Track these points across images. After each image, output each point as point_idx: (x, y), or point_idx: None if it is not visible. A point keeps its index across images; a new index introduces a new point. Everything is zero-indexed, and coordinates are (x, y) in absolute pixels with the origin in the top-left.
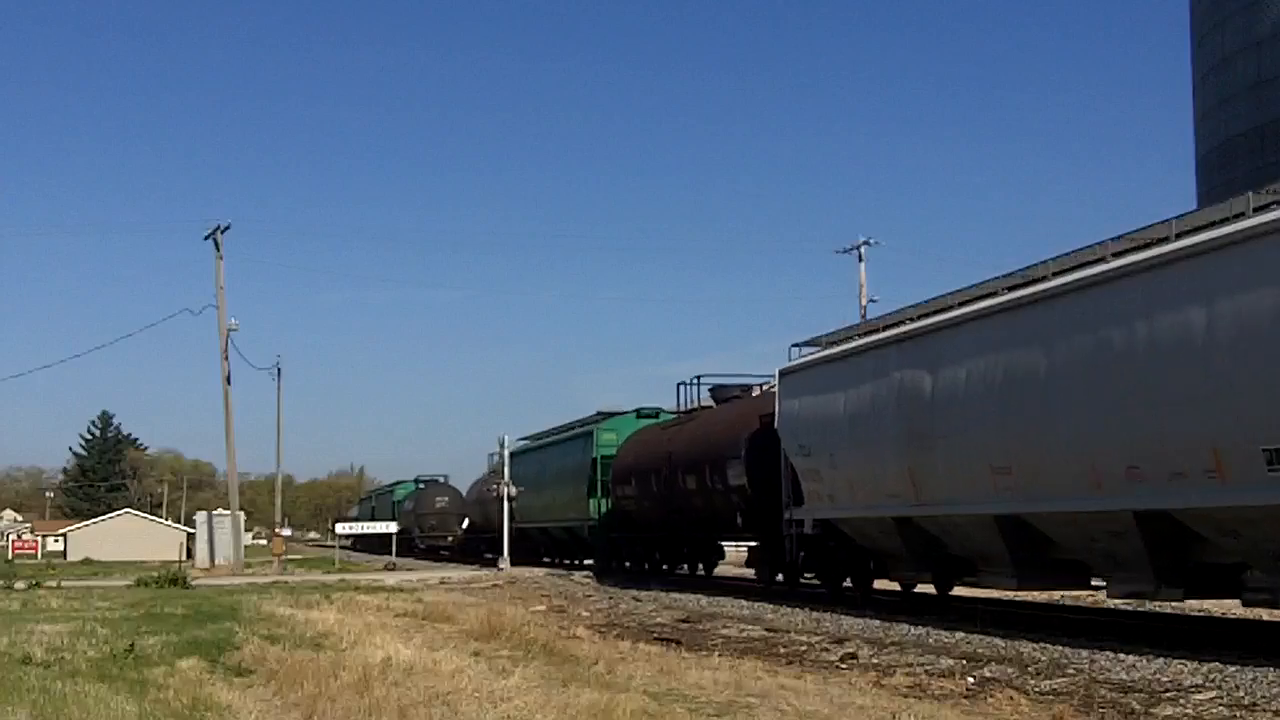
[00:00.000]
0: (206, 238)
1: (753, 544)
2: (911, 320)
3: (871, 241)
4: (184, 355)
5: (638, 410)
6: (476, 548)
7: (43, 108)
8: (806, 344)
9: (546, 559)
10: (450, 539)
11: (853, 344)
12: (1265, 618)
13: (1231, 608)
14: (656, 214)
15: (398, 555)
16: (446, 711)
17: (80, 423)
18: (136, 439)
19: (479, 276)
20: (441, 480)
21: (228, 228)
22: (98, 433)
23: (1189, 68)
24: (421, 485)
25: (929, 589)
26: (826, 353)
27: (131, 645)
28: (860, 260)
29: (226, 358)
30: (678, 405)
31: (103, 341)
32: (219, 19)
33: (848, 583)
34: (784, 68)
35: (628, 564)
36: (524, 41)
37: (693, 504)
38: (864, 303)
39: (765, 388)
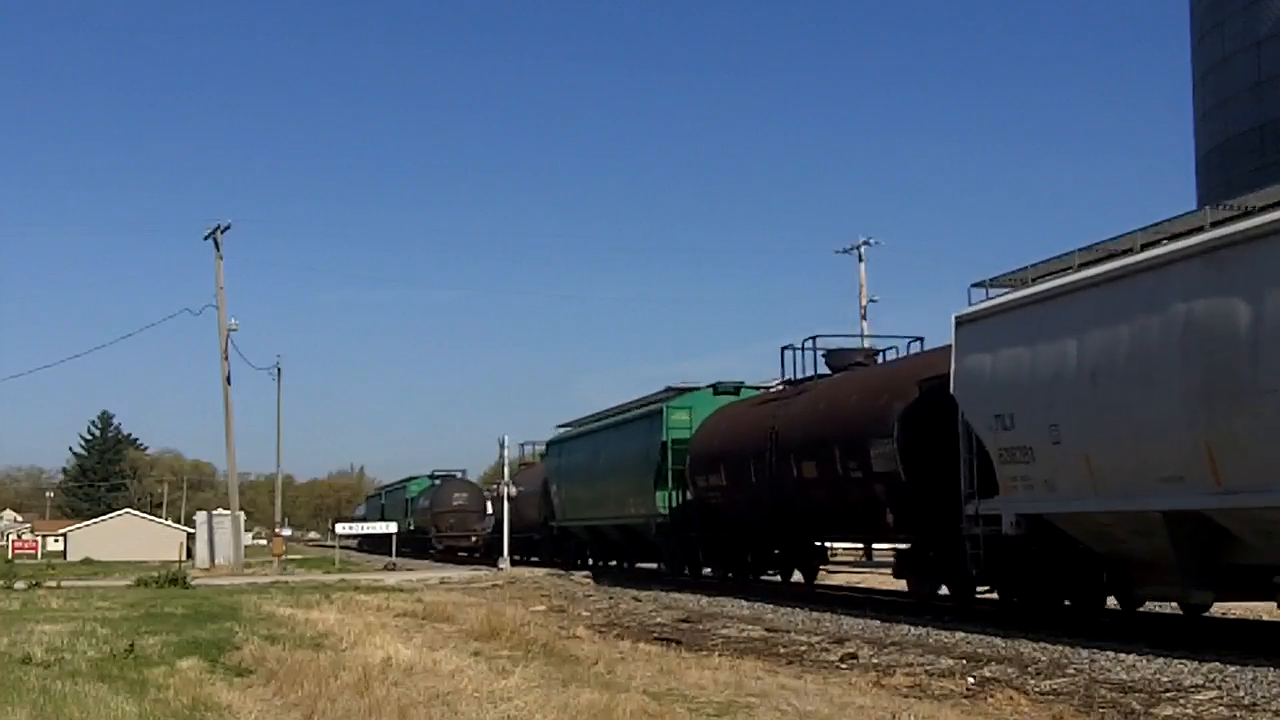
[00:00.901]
0: (206, 238)
1: (902, 547)
2: (1208, 227)
3: (871, 241)
4: (184, 355)
5: (714, 385)
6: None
7: (43, 108)
8: (995, 283)
9: (595, 561)
10: (474, 539)
11: (1094, 271)
12: (1265, 617)
13: (1231, 608)
14: (656, 214)
15: (413, 557)
16: (446, 711)
17: (80, 423)
18: (136, 439)
19: (479, 276)
20: (459, 475)
21: (228, 228)
22: (98, 433)
23: (1189, 68)
24: (437, 481)
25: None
26: (1041, 288)
27: (131, 645)
28: (860, 260)
29: (226, 358)
30: (783, 373)
31: (103, 341)
32: (219, 19)
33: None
34: (784, 68)
35: (708, 570)
36: (524, 41)
37: (811, 496)
38: (864, 303)
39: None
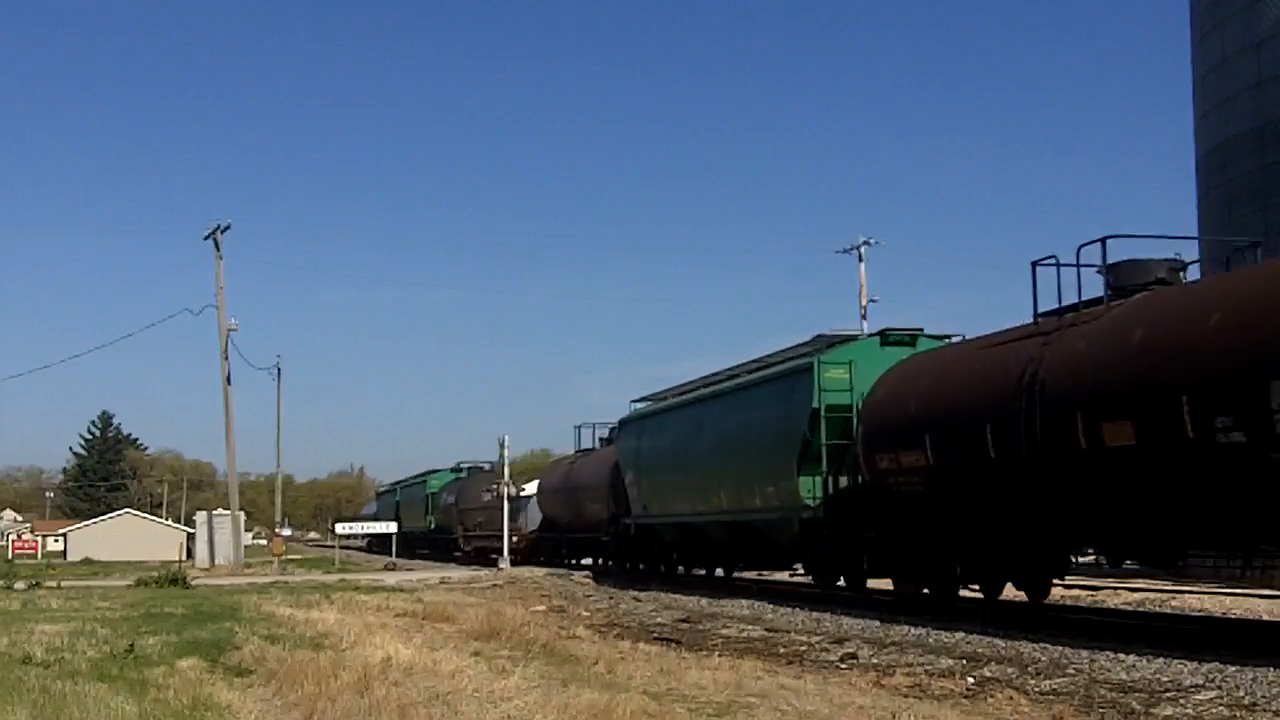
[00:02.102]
0: (206, 238)
1: None
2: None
3: (871, 241)
4: (184, 355)
5: (883, 333)
6: (555, 551)
7: (43, 107)
8: None
9: (689, 569)
10: (516, 540)
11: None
12: (1265, 618)
13: (1231, 608)
14: (657, 214)
15: (435, 560)
16: (446, 711)
17: (80, 423)
18: (136, 439)
19: (479, 276)
20: (487, 468)
21: (228, 228)
22: (98, 433)
23: (1189, 68)
24: (463, 474)
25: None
26: None
27: (131, 645)
28: (860, 260)
29: (226, 358)
30: (1035, 300)
31: (103, 341)
32: (219, 19)
33: None
34: (784, 68)
35: (898, 588)
36: (524, 41)
37: (1114, 475)
38: (864, 303)
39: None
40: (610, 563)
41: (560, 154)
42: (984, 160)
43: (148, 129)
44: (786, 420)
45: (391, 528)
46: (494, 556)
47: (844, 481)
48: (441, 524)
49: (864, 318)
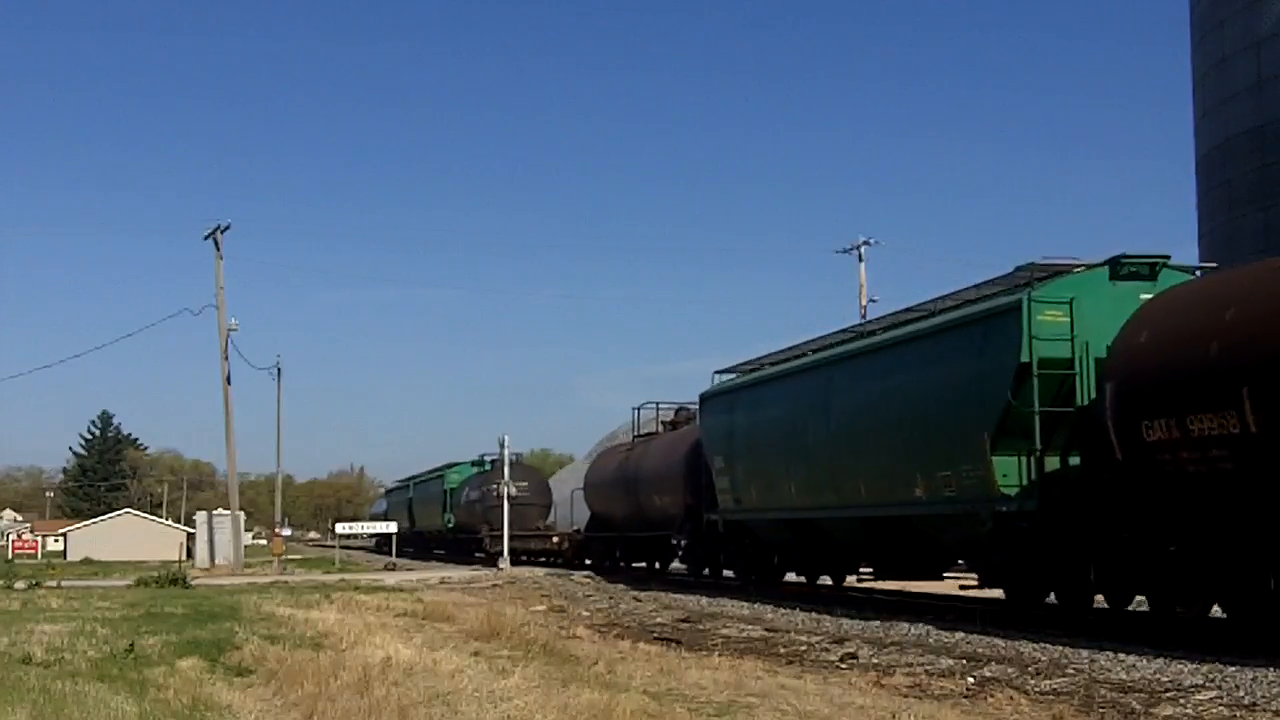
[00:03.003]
0: (206, 238)
1: None
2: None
3: (871, 241)
4: (184, 355)
5: (1114, 261)
6: (606, 553)
7: (43, 107)
8: None
9: (803, 575)
10: (555, 539)
11: None
12: None
13: None
14: (656, 214)
15: (455, 562)
16: (446, 711)
17: (80, 423)
18: (136, 439)
19: (479, 276)
20: (513, 460)
21: (228, 228)
22: (98, 433)
23: (1189, 68)
24: (486, 467)
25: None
26: None
27: (131, 645)
28: (860, 260)
29: (226, 358)
30: None
31: (103, 341)
32: (219, 19)
33: None
34: (783, 68)
35: (1173, 611)
36: (524, 41)
37: None
38: (864, 302)
39: None
40: (687, 567)
41: (561, 154)
42: (984, 160)
43: (148, 129)
44: (976, 382)
45: (391, 528)
46: (525, 558)
47: (1061, 462)
48: (463, 523)
49: (864, 318)
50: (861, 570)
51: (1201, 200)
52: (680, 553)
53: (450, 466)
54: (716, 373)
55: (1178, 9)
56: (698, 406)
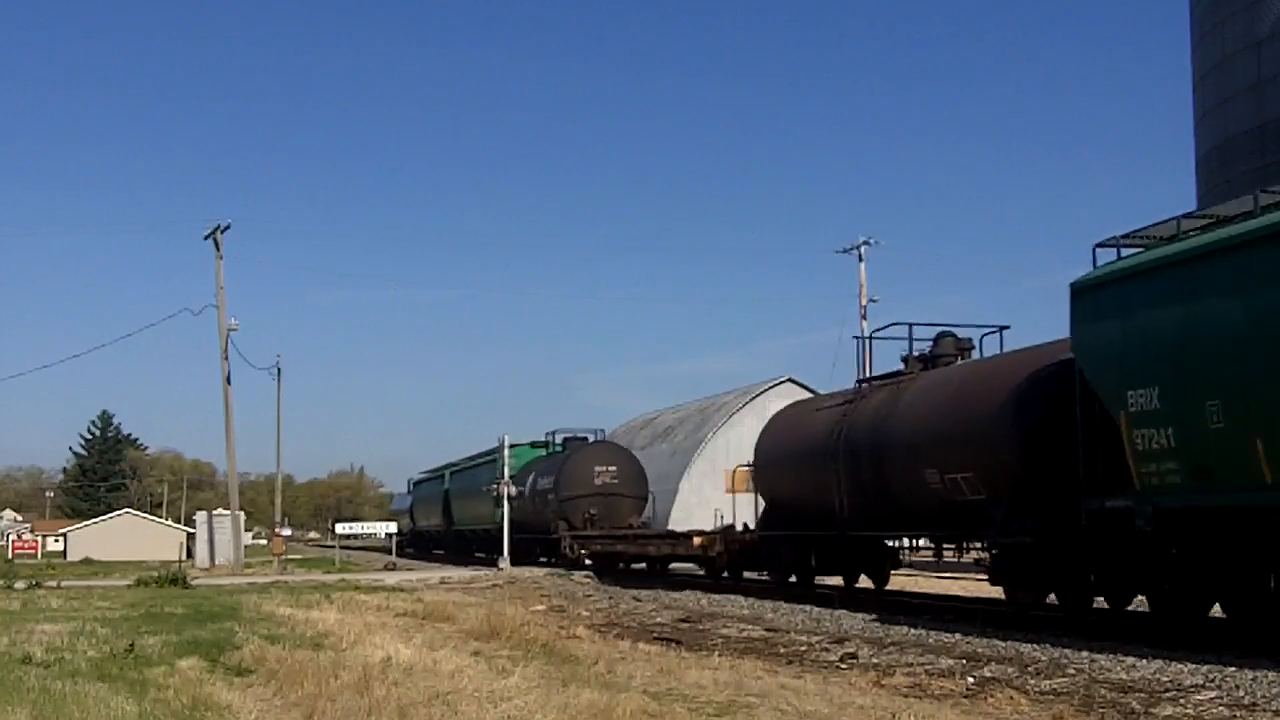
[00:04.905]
0: (206, 238)
1: None
2: None
3: (871, 241)
4: (184, 355)
5: None
6: (794, 562)
7: (43, 107)
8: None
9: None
10: (697, 541)
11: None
12: None
13: None
14: (656, 214)
15: (526, 563)
16: (446, 711)
17: (80, 423)
18: (136, 439)
19: (479, 276)
20: (593, 438)
21: (228, 228)
22: (98, 433)
23: (1189, 68)
24: (558, 448)
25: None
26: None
27: (131, 645)
28: (860, 260)
29: (226, 358)
30: None
31: (103, 341)
32: (219, 19)
33: None
34: (784, 68)
35: None
36: (524, 41)
37: None
38: (864, 302)
39: None
40: (1006, 591)
41: (560, 154)
42: (984, 160)
43: (148, 129)
44: None
45: (391, 528)
46: (669, 568)
47: None
48: (525, 518)
49: (864, 318)
50: None
51: (1201, 200)
52: (995, 565)
53: (508, 447)
54: (1099, 246)
55: (1178, 9)
56: (1069, 305)
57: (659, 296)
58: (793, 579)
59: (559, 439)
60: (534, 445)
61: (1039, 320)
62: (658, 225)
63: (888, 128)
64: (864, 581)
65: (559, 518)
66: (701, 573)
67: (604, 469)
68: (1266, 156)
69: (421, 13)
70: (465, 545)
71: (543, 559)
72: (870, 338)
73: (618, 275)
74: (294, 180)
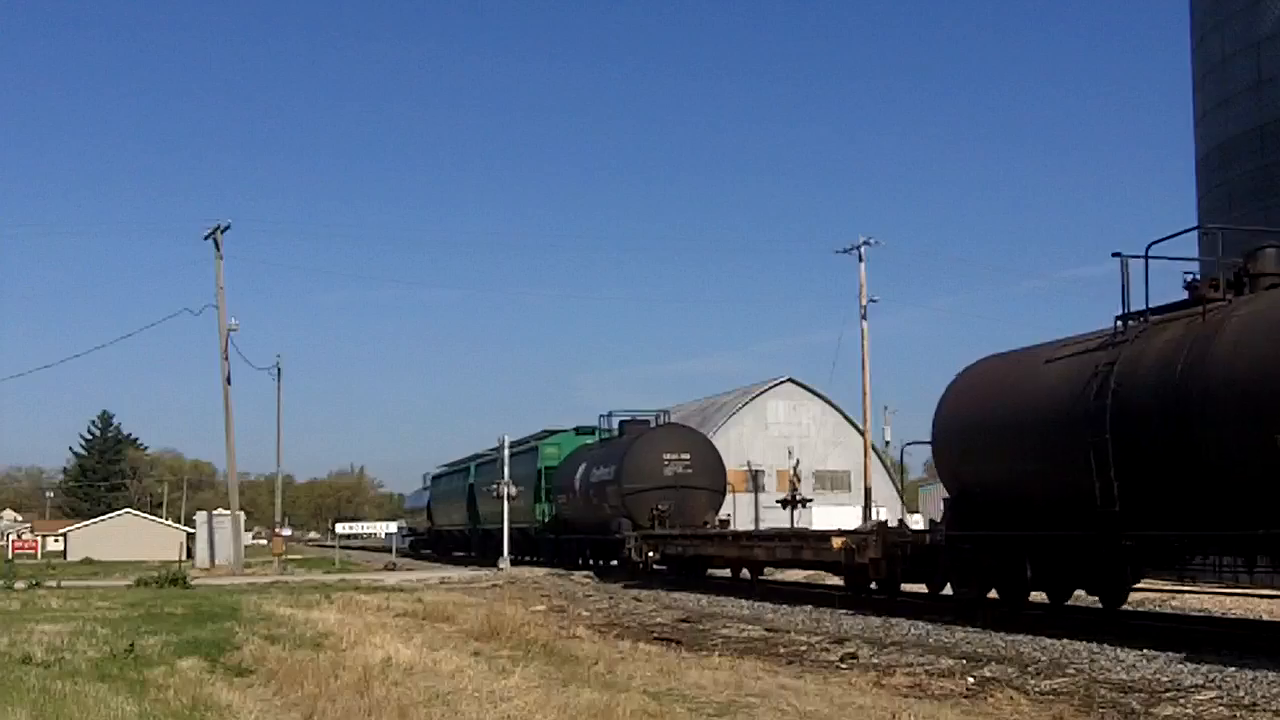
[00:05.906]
0: (206, 238)
1: None
2: None
3: (871, 241)
4: (184, 355)
5: None
6: (1009, 579)
7: (42, 107)
8: None
9: None
10: (840, 544)
11: None
12: (1265, 618)
13: (1231, 608)
14: (656, 214)
15: (554, 566)
16: (446, 711)
17: (80, 423)
18: (136, 439)
19: (479, 276)
20: (655, 421)
21: (228, 227)
22: (98, 433)
23: (1189, 68)
24: (614, 431)
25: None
26: None
27: (131, 645)
28: (860, 260)
29: (226, 358)
30: None
31: (103, 341)
32: (220, 18)
33: None
34: (784, 68)
35: None
36: (524, 41)
37: None
38: (864, 302)
39: None
40: None
41: (560, 154)
42: (984, 160)
43: (148, 129)
44: None
45: (391, 527)
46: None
47: None
48: (574, 517)
49: (864, 317)
50: None
51: (1201, 200)
52: None
53: (544, 437)
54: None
55: (1178, 9)
56: None
57: (659, 296)
58: (992, 594)
59: (615, 423)
60: (579, 431)
61: (1039, 320)
62: (658, 225)
63: (888, 127)
64: (1080, 598)
65: (622, 513)
66: (824, 586)
67: (674, 457)
68: (1266, 157)
69: (421, 13)
70: (495, 546)
71: (594, 561)
72: (1147, 257)
73: (618, 275)
74: (294, 180)
